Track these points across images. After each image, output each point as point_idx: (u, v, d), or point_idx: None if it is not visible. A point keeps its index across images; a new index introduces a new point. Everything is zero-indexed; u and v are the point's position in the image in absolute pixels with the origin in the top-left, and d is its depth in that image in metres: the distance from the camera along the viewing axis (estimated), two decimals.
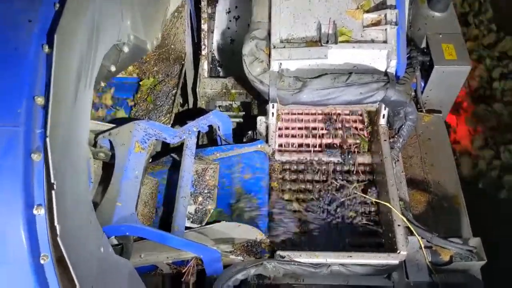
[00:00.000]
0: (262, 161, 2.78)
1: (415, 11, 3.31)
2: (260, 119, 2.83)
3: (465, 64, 3.06)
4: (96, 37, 1.76)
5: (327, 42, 2.49)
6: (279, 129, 2.83)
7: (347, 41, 2.53)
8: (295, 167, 2.80)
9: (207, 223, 2.48)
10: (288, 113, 2.82)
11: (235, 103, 3.46)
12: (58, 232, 1.46)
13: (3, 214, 1.44)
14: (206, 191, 2.54)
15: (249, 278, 2.39)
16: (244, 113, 3.49)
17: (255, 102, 3.31)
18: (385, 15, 2.54)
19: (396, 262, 2.35)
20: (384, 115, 2.69)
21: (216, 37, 3.93)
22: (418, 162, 3.06)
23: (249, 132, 3.04)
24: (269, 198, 2.66)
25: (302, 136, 2.82)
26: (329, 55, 2.49)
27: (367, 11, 2.58)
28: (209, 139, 3.19)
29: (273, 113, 2.71)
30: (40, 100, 1.46)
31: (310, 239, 2.54)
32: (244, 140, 2.97)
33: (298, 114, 2.83)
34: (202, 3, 3.55)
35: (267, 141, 2.83)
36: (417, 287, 2.42)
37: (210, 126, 2.79)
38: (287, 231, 2.56)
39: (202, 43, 3.52)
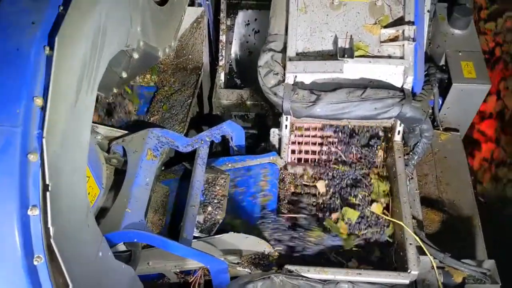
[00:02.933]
0: (274, 173, 2.76)
1: (435, 28, 3.29)
2: (273, 131, 2.82)
3: (484, 83, 3.02)
4: (101, 41, 1.76)
5: (343, 56, 2.47)
6: (292, 142, 2.81)
7: (363, 56, 2.51)
8: (307, 180, 2.78)
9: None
10: (302, 126, 2.80)
11: (250, 114, 3.46)
12: (51, 234, 1.46)
13: None
14: (215, 201, 2.53)
15: None
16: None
17: (270, 114, 3.31)
18: (403, 31, 2.52)
19: (406, 281, 2.30)
20: (399, 131, 2.66)
21: (234, 48, 3.97)
22: (433, 181, 3.01)
23: (262, 144, 3.04)
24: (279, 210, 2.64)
25: (315, 152, 2.80)
26: (344, 69, 2.47)
27: (385, 27, 2.56)
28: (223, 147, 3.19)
29: (286, 126, 2.70)
30: (39, 101, 1.46)
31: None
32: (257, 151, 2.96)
33: (313, 128, 2.80)
34: (221, 15, 3.59)
35: (279, 154, 2.81)
36: None
37: (223, 136, 2.79)
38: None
39: (220, 54, 3.54)
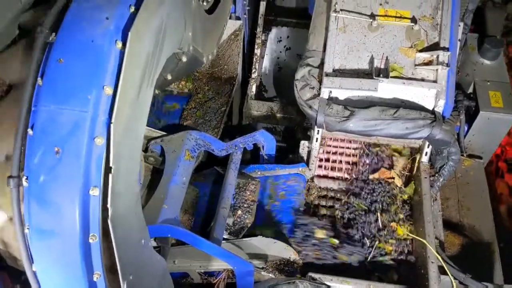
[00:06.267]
0: (301, 184, 2.84)
1: (465, 57, 3.37)
2: (303, 143, 2.91)
3: (511, 112, 3.09)
4: (162, 40, 1.86)
5: (379, 75, 2.56)
6: (321, 158, 2.90)
7: (397, 77, 2.59)
8: (332, 194, 2.86)
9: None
10: (331, 140, 2.89)
11: (278, 126, 3.56)
12: (109, 214, 1.55)
13: (63, 190, 1.54)
14: (245, 206, 2.61)
15: None
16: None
17: (299, 128, 3.39)
18: (438, 56, 2.61)
19: None
20: (426, 152, 2.74)
21: (265, 63, 4.07)
22: (455, 205, 3.07)
23: (290, 156, 3.12)
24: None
25: (341, 165, 2.89)
26: (379, 88, 2.56)
27: (420, 51, 2.64)
28: (252, 155, 3.27)
29: (317, 139, 2.78)
30: (108, 90, 1.56)
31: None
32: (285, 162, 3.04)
33: (341, 141, 2.89)
34: (258, 29, 3.71)
35: (307, 165, 2.89)
36: None
37: (255, 145, 2.88)
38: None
39: (253, 66, 3.65)
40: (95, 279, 1.62)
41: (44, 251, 1.58)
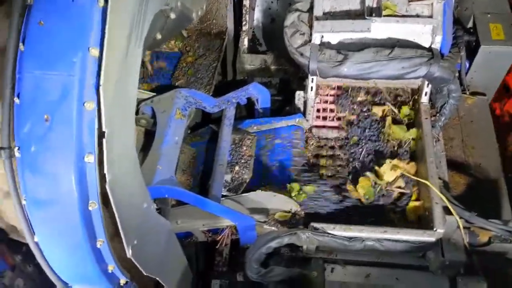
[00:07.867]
0: (299, 135, 2.77)
1: None
2: (299, 94, 2.82)
3: None
4: None
5: (371, 15, 2.45)
6: (318, 104, 2.81)
7: (391, 15, 2.48)
8: (332, 143, 2.79)
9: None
10: (327, 88, 2.79)
11: (273, 79, 3.46)
12: (107, 180, 1.51)
13: (57, 159, 1.50)
14: (243, 161, 2.56)
15: (282, 249, 2.40)
16: None
17: (294, 79, 3.30)
18: None
19: (432, 239, 2.32)
20: (426, 92, 2.65)
21: (257, 15, 3.93)
22: (459, 144, 2.99)
23: (287, 108, 3.04)
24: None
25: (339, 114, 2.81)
26: (372, 28, 2.45)
27: None
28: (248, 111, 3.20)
29: (312, 87, 2.69)
30: (94, 52, 1.49)
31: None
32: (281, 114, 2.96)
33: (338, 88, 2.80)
34: None
35: (304, 116, 2.82)
36: (453, 266, 2.37)
37: (249, 99, 2.81)
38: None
39: (244, 19, 3.53)
40: (98, 245, 1.60)
41: (44, 221, 1.57)
